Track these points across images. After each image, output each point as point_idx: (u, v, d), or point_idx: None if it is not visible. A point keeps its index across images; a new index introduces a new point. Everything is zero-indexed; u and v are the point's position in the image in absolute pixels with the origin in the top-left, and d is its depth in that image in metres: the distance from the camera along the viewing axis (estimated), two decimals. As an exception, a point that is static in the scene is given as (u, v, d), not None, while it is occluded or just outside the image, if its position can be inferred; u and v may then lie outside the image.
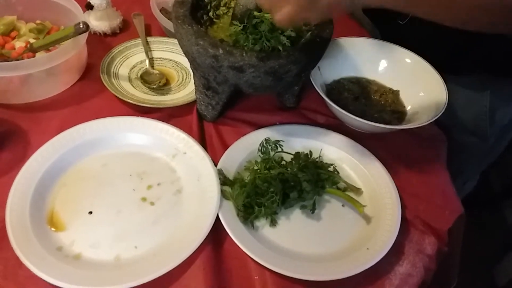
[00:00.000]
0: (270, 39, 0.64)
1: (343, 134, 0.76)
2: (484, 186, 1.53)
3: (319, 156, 0.73)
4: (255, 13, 0.65)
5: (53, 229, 0.61)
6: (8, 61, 0.76)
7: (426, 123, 0.72)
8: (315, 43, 0.68)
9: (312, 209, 0.66)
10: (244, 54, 0.62)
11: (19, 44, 0.81)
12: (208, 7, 0.74)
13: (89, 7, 0.89)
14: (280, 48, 0.65)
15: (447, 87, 0.78)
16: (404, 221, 0.66)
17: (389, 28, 0.91)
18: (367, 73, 0.86)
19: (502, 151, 1.06)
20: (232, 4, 0.74)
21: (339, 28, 0.76)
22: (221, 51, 0.62)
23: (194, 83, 0.75)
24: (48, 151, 0.67)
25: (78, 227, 0.61)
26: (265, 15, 0.64)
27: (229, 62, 0.63)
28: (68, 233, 0.60)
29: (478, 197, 1.49)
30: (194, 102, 0.78)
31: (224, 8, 0.75)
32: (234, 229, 0.61)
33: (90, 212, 0.63)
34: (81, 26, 0.73)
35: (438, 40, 0.76)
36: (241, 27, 0.66)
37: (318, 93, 0.74)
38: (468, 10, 0.53)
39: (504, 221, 1.69)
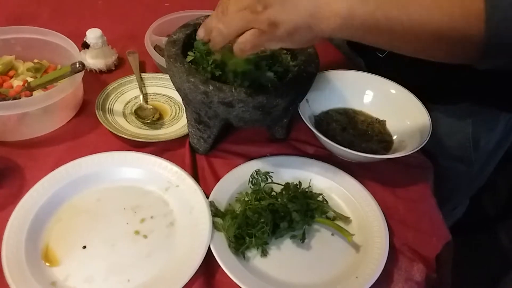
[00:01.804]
0: (257, 76, 0.67)
1: (332, 164, 0.79)
2: (477, 210, 1.54)
3: (309, 186, 0.75)
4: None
5: (47, 264, 0.62)
6: (6, 99, 0.78)
7: (411, 152, 0.75)
8: (302, 77, 0.71)
9: (302, 239, 0.67)
10: (233, 90, 0.65)
11: (17, 82, 0.84)
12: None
13: (85, 46, 0.93)
14: (267, 84, 0.67)
15: (431, 115, 0.81)
16: (393, 248, 0.68)
17: (371, 59, 0.94)
18: (354, 104, 0.89)
19: (493, 174, 1.08)
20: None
21: (325, 60, 0.79)
22: (211, 87, 0.65)
23: (186, 117, 0.78)
24: (43, 187, 0.68)
25: (72, 261, 0.62)
26: (250, 56, 0.67)
27: (219, 97, 0.65)
28: (62, 268, 0.62)
29: (472, 221, 1.51)
30: (186, 136, 0.80)
31: None
32: (226, 261, 0.62)
33: (84, 247, 0.64)
34: (77, 66, 0.76)
35: (418, 71, 0.79)
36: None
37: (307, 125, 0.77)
38: (426, 41, 0.54)
39: (499, 244, 1.69)
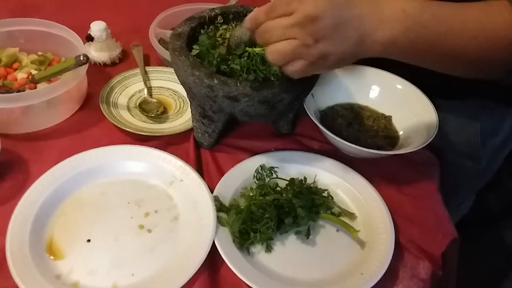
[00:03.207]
0: (263, 70, 0.67)
1: (337, 160, 0.78)
2: (482, 207, 1.54)
3: (314, 182, 0.74)
4: (247, 48, 0.68)
5: (51, 257, 0.62)
6: (10, 92, 0.78)
7: (417, 149, 0.74)
8: (307, 72, 0.70)
9: (306, 235, 0.67)
10: (238, 84, 0.64)
11: (21, 75, 0.83)
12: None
13: (89, 38, 0.92)
14: (272, 78, 0.67)
15: (438, 112, 0.80)
16: (398, 245, 0.67)
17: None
18: (360, 99, 0.89)
19: (499, 171, 1.07)
20: (227, 35, 0.76)
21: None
22: (216, 81, 0.64)
23: (191, 111, 0.78)
24: (47, 180, 0.68)
25: (76, 255, 0.62)
26: (255, 49, 0.66)
27: (224, 92, 0.65)
28: (66, 261, 0.61)
29: (477, 218, 1.50)
30: (191, 130, 0.80)
31: (219, 39, 0.78)
32: (230, 256, 0.62)
33: (88, 240, 0.64)
34: (81, 58, 0.76)
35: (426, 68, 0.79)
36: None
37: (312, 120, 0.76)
38: (461, 65, 0.58)
39: (504, 241, 1.69)
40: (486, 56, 0.58)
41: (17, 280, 0.56)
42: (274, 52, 0.56)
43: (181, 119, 0.85)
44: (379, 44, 0.56)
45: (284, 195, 0.69)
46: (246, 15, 0.78)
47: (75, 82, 0.78)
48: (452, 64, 0.60)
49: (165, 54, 0.90)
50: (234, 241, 0.65)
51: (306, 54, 0.55)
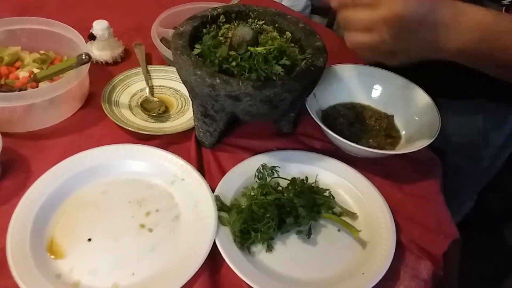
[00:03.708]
0: (265, 69, 0.66)
1: (339, 159, 0.78)
2: (484, 208, 1.53)
3: (315, 181, 0.74)
4: (249, 48, 0.67)
5: (52, 256, 0.62)
6: (12, 91, 0.78)
7: (419, 149, 0.74)
8: (309, 71, 0.70)
9: (308, 234, 0.67)
10: (240, 84, 0.64)
11: (23, 74, 0.83)
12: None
13: (91, 37, 0.92)
14: (275, 77, 0.67)
15: (440, 111, 0.80)
16: (399, 245, 0.67)
17: None
18: (362, 99, 0.88)
19: (500, 173, 1.07)
20: (230, 35, 0.76)
21: (334, 54, 0.78)
22: (218, 80, 0.64)
23: (193, 110, 0.77)
24: (49, 179, 0.68)
25: (77, 254, 0.62)
26: (258, 49, 0.66)
27: (225, 91, 0.65)
28: (67, 260, 0.61)
29: (478, 219, 1.50)
30: (192, 129, 0.79)
31: (222, 38, 0.78)
32: (231, 255, 0.62)
33: (89, 239, 0.64)
34: (83, 57, 0.76)
35: (427, 70, 0.79)
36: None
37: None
38: None
39: (505, 243, 1.68)
40: None
41: (18, 280, 0.56)
42: (354, 42, 0.58)
43: (183, 118, 0.85)
44: (449, 50, 0.57)
45: (285, 194, 0.69)
46: (248, 15, 0.79)
47: (77, 81, 0.78)
48: None
49: (167, 53, 0.90)
50: (235, 241, 0.65)
51: (381, 48, 0.56)
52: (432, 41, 0.56)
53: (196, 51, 0.70)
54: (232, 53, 0.69)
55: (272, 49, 0.69)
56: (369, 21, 0.55)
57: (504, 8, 0.68)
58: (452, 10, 0.55)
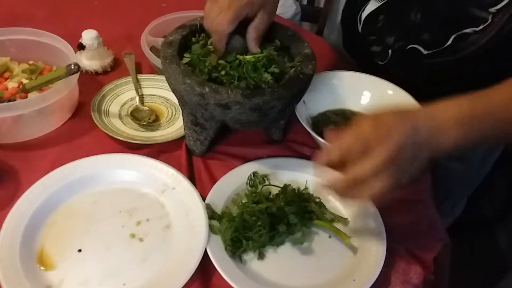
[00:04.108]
0: (254, 78, 0.67)
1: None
2: (475, 212, 1.54)
3: (306, 188, 0.75)
4: (238, 56, 0.68)
5: (42, 268, 0.61)
6: (1, 101, 0.78)
7: (408, 154, 0.74)
8: (298, 79, 0.70)
9: (301, 241, 0.67)
10: (229, 92, 0.64)
11: (12, 84, 0.83)
12: (195, 46, 0.77)
13: (81, 47, 0.92)
14: (264, 85, 0.67)
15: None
16: (390, 251, 0.67)
17: (370, 67, 0.94)
18: (352, 105, 0.89)
19: (491, 176, 1.08)
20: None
21: (322, 61, 0.79)
22: (207, 89, 0.65)
23: (183, 119, 0.78)
24: (38, 190, 0.68)
25: (67, 265, 0.62)
26: (246, 57, 0.67)
27: (215, 99, 0.65)
28: (57, 271, 0.61)
29: (470, 222, 1.51)
30: (183, 138, 0.79)
31: (211, 47, 0.78)
32: (222, 264, 0.62)
33: (79, 250, 0.64)
34: (72, 67, 0.76)
35: (416, 78, 0.80)
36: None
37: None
38: None
39: (497, 245, 1.69)
40: None
41: (7, 291, 0.56)
42: (375, 193, 0.55)
43: (173, 127, 0.85)
44: (444, 153, 0.57)
45: (276, 202, 0.69)
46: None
47: (66, 91, 0.78)
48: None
49: (157, 62, 0.90)
50: (226, 249, 0.65)
51: (396, 182, 0.55)
52: (429, 154, 0.56)
53: (185, 60, 0.70)
54: (221, 61, 0.69)
55: (260, 57, 0.69)
56: (376, 175, 0.53)
57: (491, 15, 0.68)
58: (430, 121, 0.56)
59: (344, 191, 0.57)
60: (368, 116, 0.56)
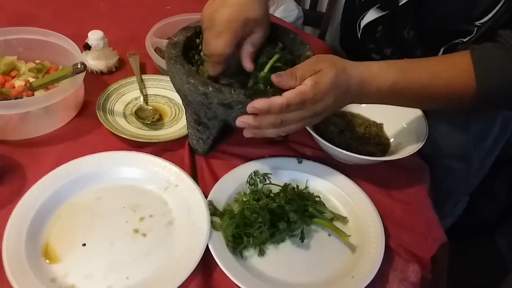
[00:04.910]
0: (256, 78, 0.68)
1: (329, 166, 0.80)
2: (476, 215, 1.55)
3: (306, 187, 0.76)
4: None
5: (47, 261, 0.62)
6: (8, 99, 0.79)
7: (407, 155, 0.76)
8: (300, 80, 0.71)
9: (301, 238, 0.68)
10: (232, 92, 0.66)
11: (18, 83, 0.85)
12: (199, 47, 0.79)
13: (87, 47, 0.94)
14: (267, 86, 0.68)
15: (428, 118, 0.82)
16: (388, 249, 0.69)
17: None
18: (352, 107, 0.90)
19: (492, 178, 1.09)
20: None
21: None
22: (211, 89, 0.66)
23: (186, 118, 0.79)
24: (44, 186, 0.69)
25: (72, 259, 0.63)
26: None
27: (218, 99, 0.66)
28: (62, 265, 0.62)
29: (470, 225, 1.51)
30: (186, 137, 0.81)
31: None
32: (223, 259, 0.63)
33: (84, 244, 0.65)
34: (79, 66, 0.77)
35: None
36: None
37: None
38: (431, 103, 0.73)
39: (497, 249, 1.70)
40: (449, 104, 0.72)
41: (14, 284, 0.57)
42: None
43: (176, 126, 0.86)
44: (369, 99, 0.70)
45: (277, 200, 0.70)
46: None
47: (72, 89, 0.79)
48: (424, 104, 0.76)
49: (161, 62, 0.92)
50: (227, 245, 0.66)
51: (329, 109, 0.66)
52: (356, 96, 0.67)
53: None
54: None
55: (263, 59, 0.71)
56: (301, 117, 0.65)
57: (476, 28, 0.72)
58: (358, 91, 0.66)
59: (265, 123, 0.64)
60: (313, 77, 0.63)
